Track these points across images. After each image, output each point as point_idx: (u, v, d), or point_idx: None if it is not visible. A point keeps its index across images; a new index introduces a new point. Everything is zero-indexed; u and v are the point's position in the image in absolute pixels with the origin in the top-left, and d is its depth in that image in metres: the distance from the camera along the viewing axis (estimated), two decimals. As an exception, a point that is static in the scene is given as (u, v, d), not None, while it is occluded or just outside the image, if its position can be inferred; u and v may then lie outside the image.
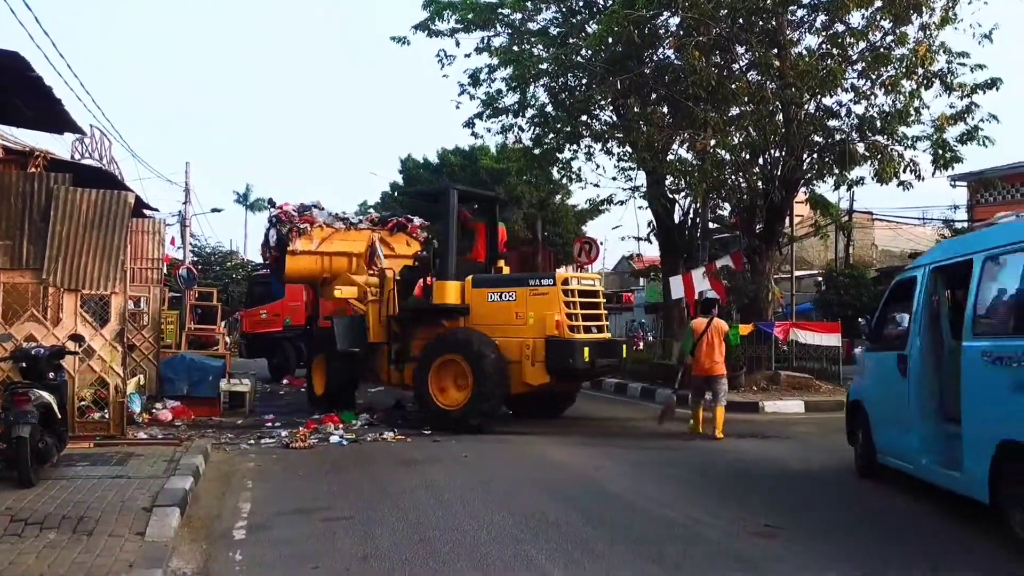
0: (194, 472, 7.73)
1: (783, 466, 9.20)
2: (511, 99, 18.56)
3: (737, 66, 15.38)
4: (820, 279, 29.05)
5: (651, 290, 37.17)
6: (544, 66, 17.23)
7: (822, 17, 15.16)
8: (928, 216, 30.06)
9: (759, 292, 16.55)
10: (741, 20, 14.63)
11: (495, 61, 18.25)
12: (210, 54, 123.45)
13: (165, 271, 17.76)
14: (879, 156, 14.58)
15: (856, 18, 14.47)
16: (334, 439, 10.61)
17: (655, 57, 16.45)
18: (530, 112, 18.62)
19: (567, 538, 5.94)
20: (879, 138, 14.72)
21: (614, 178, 19.93)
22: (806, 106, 14.92)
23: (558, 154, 19.04)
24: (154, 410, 11.98)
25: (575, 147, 18.97)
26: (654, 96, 16.68)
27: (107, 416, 9.54)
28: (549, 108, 18.51)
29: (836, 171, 15.32)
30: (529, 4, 18.02)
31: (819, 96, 14.95)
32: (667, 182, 18.07)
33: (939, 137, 14.44)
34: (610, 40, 15.38)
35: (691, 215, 19.59)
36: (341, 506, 7.01)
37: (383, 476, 8.38)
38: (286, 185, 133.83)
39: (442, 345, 11.80)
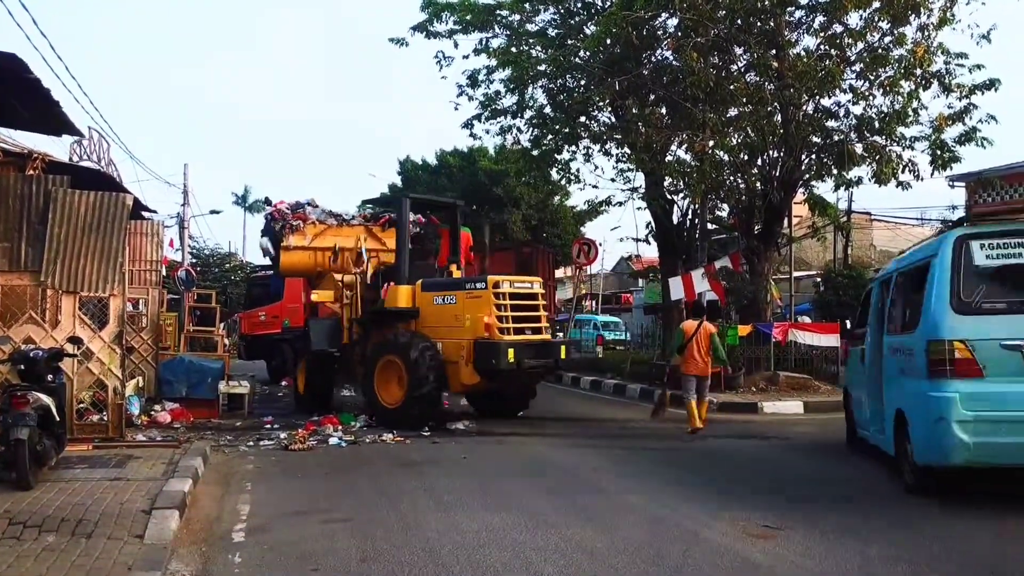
0: (193, 474, 7.72)
1: (783, 467, 9.21)
2: (510, 100, 18.59)
3: (735, 67, 15.40)
4: (819, 280, 29.04)
5: (650, 291, 37.17)
6: (543, 67, 17.25)
7: (820, 18, 15.19)
8: (926, 217, 30.10)
9: (758, 293, 16.55)
10: (739, 21, 14.64)
11: (493, 62, 18.26)
12: (210, 55, 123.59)
13: (164, 273, 17.74)
14: (877, 157, 14.60)
15: (854, 19, 14.52)
16: (333, 441, 10.61)
17: (653, 58, 16.45)
18: (529, 113, 18.65)
19: (566, 540, 5.93)
20: (877, 139, 14.74)
21: (613, 179, 19.91)
22: (804, 107, 14.94)
23: (557, 155, 19.04)
24: (153, 412, 11.95)
25: (574, 148, 18.98)
26: (652, 97, 16.69)
27: (106, 418, 9.52)
28: (548, 109, 18.52)
29: (834, 172, 15.34)
30: (527, 5, 18.03)
31: (817, 97, 14.98)
32: (666, 183, 18.08)
33: (937, 138, 14.46)
34: (608, 41, 15.40)
35: (690, 216, 19.59)
36: (340, 508, 7.00)
37: (382, 478, 8.37)
38: (285, 187, 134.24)
39: (385, 347, 12.36)
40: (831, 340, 16.21)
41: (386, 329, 12.73)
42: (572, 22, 17.92)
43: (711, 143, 14.81)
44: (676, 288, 17.05)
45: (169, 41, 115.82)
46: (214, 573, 5.31)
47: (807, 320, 21.61)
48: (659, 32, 15.83)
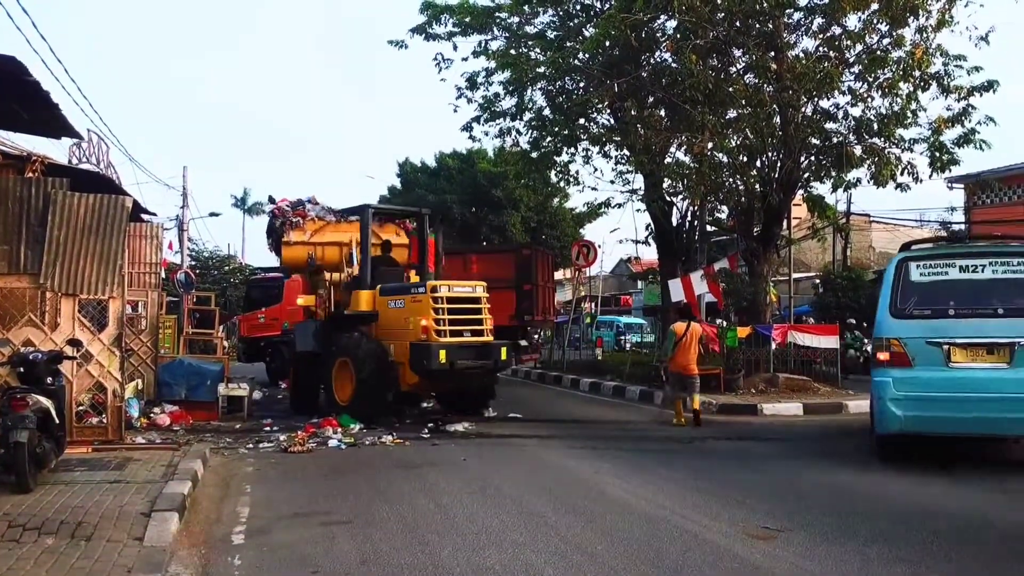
0: (192, 477, 7.72)
1: (782, 468, 9.20)
2: (509, 103, 18.63)
3: (734, 69, 15.41)
4: (818, 281, 29.09)
5: (649, 293, 37.20)
6: (541, 69, 17.28)
7: (819, 20, 15.21)
8: (925, 218, 30.16)
9: (757, 295, 16.55)
10: (738, 23, 14.66)
11: (492, 65, 18.29)
12: (209, 57, 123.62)
13: (163, 276, 17.74)
14: (876, 158, 14.60)
15: (853, 21, 14.54)
16: (332, 443, 10.60)
17: (652, 60, 16.47)
18: (528, 115, 18.68)
19: (566, 541, 5.94)
20: (876, 140, 14.74)
21: (612, 181, 20.00)
22: (803, 109, 14.94)
23: (556, 157, 19.07)
24: (152, 415, 11.94)
25: (573, 150, 19.01)
26: (651, 99, 16.71)
27: (105, 421, 9.51)
28: (547, 111, 18.56)
29: (833, 173, 15.33)
30: (526, 8, 18.07)
31: (816, 99, 14.98)
32: (665, 185, 18.09)
33: (936, 139, 14.46)
34: (607, 43, 15.42)
35: (689, 218, 19.62)
36: (340, 510, 7.00)
37: (382, 480, 8.36)
38: (284, 189, 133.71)
39: (339, 348, 12.96)
40: (830, 342, 16.22)
41: (351, 331, 13.18)
42: (571, 24, 17.95)
43: (710, 145, 14.81)
44: (676, 290, 17.05)
45: (169, 44, 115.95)
46: (214, 575, 5.31)
47: (812, 321, 21.66)
48: (658, 34, 15.85)
